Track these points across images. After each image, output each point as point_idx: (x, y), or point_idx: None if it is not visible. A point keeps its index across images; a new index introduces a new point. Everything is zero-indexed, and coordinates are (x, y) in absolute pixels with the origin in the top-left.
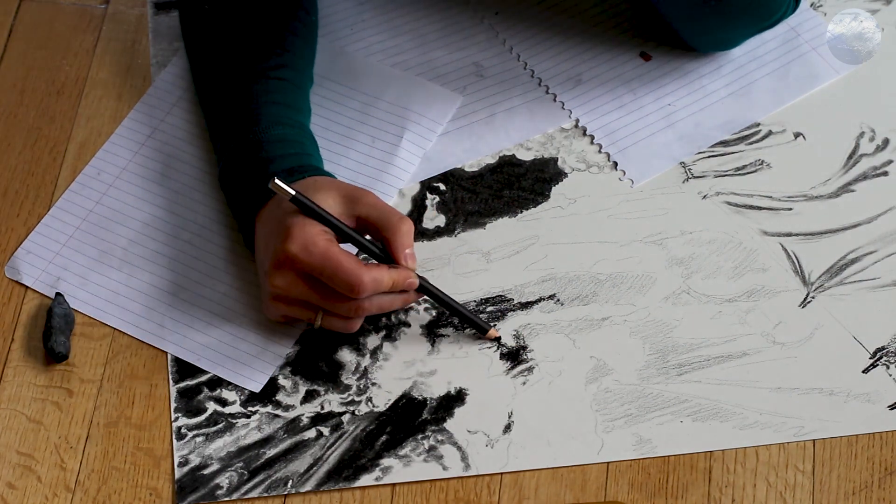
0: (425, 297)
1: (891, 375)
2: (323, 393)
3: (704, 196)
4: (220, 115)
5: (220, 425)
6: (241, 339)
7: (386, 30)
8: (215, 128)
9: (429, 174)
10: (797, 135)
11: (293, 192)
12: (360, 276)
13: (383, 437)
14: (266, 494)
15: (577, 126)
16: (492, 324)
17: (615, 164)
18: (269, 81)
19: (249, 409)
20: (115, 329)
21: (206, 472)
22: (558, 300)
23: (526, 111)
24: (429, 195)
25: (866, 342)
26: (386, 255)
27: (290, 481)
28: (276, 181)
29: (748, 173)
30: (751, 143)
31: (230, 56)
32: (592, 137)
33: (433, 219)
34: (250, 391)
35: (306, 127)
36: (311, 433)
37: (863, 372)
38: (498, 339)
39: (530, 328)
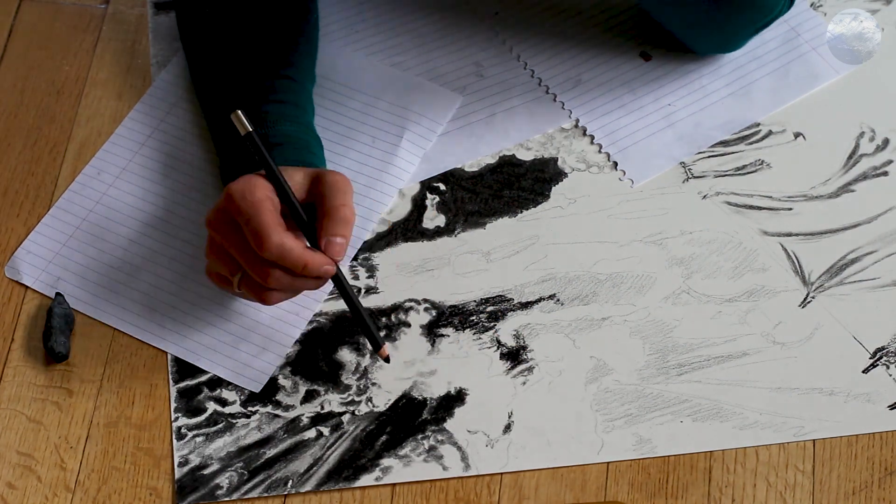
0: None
1: (891, 375)
2: (323, 393)
3: (704, 196)
4: (224, 113)
5: (220, 425)
6: (241, 339)
7: (386, 30)
8: (217, 126)
9: (429, 174)
10: (797, 135)
11: (250, 129)
12: (269, 232)
13: (383, 437)
14: (266, 494)
15: (577, 126)
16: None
17: (615, 164)
18: (276, 80)
19: (249, 409)
20: (115, 329)
21: (206, 472)
22: (558, 300)
23: (526, 111)
24: (429, 195)
25: (866, 342)
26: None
27: (290, 481)
28: (239, 113)
29: (748, 173)
30: (751, 143)
31: (236, 54)
32: (592, 137)
33: (433, 219)
34: (250, 391)
35: (311, 125)
36: (311, 433)
37: (863, 372)
38: (387, 360)
39: (530, 328)
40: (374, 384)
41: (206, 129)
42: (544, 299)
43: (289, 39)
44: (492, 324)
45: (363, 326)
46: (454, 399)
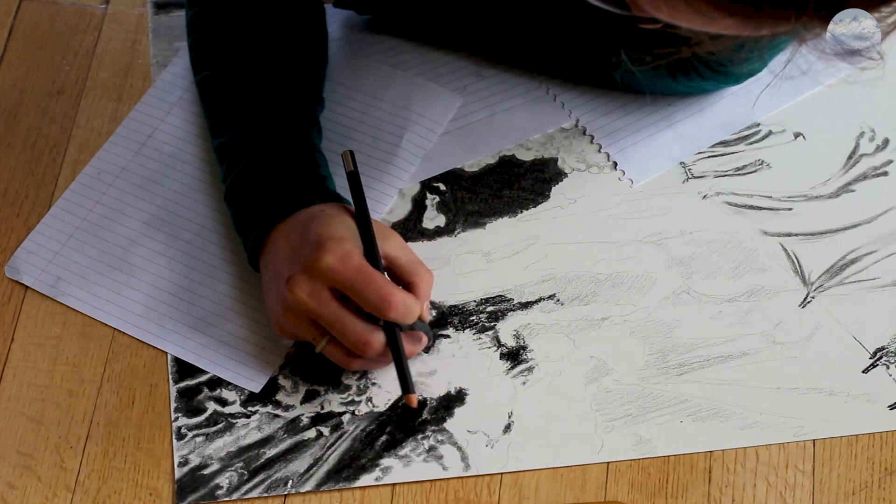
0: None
1: (891, 375)
2: (323, 393)
3: (704, 196)
4: (241, 130)
5: (220, 425)
6: (241, 339)
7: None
8: (228, 143)
9: (429, 174)
10: (797, 135)
11: (354, 169)
12: (391, 293)
13: (383, 437)
14: (266, 494)
15: (577, 126)
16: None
17: (615, 164)
18: (317, 153)
19: (249, 409)
20: (115, 329)
21: (206, 472)
22: (558, 300)
23: (526, 111)
24: (429, 195)
25: (866, 342)
26: None
27: (290, 481)
28: (349, 152)
29: (748, 173)
30: (751, 143)
31: (263, 72)
32: (592, 137)
33: (433, 219)
34: (250, 391)
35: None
36: (311, 433)
37: (863, 372)
38: (418, 407)
39: (530, 328)
40: (374, 384)
41: (206, 129)
42: (544, 299)
43: (313, 97)
44: (492, 324)
45: (400, 375)
46: (454, 399)
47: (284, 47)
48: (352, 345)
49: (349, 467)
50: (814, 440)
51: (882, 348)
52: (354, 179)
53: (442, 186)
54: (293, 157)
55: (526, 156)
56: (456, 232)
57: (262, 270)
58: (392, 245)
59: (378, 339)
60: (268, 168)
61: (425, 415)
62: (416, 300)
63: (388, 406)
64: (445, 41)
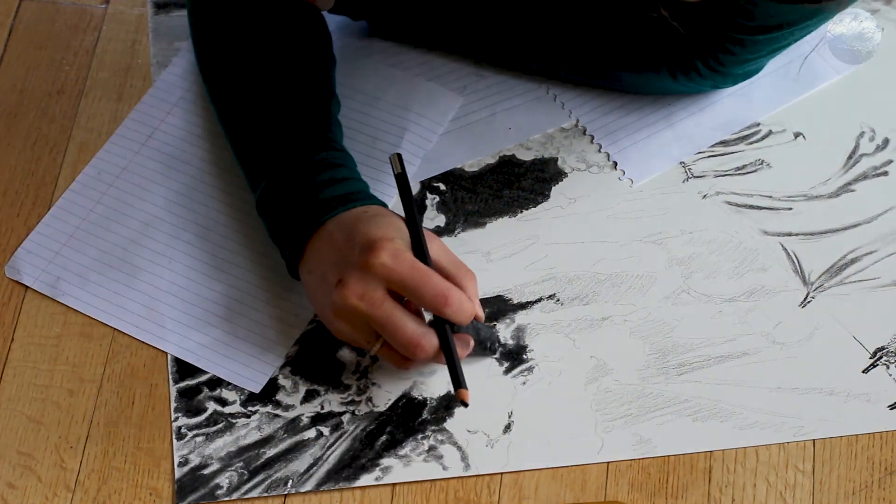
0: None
1: (891, 375)
2: (323, 393)
3: (704, 196)
4: (267, 138)
5: (220, 425)
6: (241, 339)
7: None
8: (255, 154)
9: (429, 174)
10: (797, 135)
11: (402, 171)
12: (448, 289)
13: (383, 437)
14: (266, 494)
15: (577, 126)
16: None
17: (615, 163)
18: (330, 152)
19: (249, 408)
20: (115, 329)
21: (206, 471)
22: (558, 300)
23: (526, 111)
24: (429, 195)
25: (866, 342)
26: None
27: (290, 481)
28: (398, 153)
29: (748, 173)
30: (751, 143)
31: (277, 76)
32: (592, 137)
33: (433, 219)
34: (250, 391)
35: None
36: (311, 433)
37: (863, 372)
38: (465, 405)
39: (530, 328)
40: (374, 384)
41: (206, 129)
42: (544, 299)
43: (328, 96)
44: (492, 324)
45: (453, 371)
46: (454, 399)
47: (291, 49)
48: (402, 347)
49: (349, 467)
50: (814, 440)
51: (882, 348)
52: (403, 182)
53: (442, 186)
54: (322, 161)
55: (526, 156)
56: (456, 232)
57: (305, 276)
58: (434, 248)
59: (430, 342)
60: (299, 174)
61: (425, 415)
62: (469, 299)
63: (388, 406)
64: (441, 46)
